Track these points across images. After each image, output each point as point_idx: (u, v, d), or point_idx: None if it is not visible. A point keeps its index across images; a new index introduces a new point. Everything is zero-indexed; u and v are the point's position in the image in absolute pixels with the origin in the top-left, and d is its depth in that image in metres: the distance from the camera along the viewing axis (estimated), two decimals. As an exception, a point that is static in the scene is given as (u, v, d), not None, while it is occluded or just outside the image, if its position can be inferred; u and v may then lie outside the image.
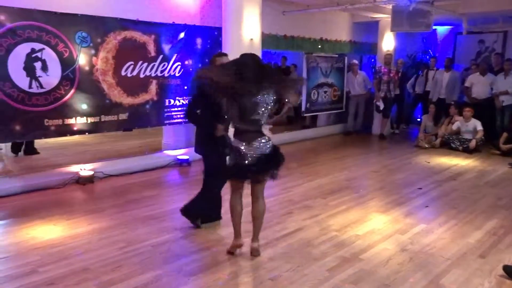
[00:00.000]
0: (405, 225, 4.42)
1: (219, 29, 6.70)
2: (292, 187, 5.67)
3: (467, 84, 9.04)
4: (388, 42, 9.81)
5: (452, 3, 7.87)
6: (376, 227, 4.35)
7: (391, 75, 9.27)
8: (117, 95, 5.88)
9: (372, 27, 9.97)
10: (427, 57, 11.15)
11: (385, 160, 7.41)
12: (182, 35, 6.48)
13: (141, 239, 3.95)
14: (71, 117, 5.47)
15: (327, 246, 3.88)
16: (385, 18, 9.27)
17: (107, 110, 5.80)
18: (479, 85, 8.82)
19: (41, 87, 5.16)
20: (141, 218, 4.49)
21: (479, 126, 8.05)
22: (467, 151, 7.89)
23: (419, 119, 10.27)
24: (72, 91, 5.42)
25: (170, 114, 6.58)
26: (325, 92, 9.44)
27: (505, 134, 7.88)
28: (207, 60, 6.83)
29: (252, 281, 3.24)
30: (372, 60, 11.17)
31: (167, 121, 6.61)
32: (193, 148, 7.05)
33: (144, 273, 3.33)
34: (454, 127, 8.33)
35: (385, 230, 4.27)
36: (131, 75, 5.96)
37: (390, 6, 7.95)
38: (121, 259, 3.56)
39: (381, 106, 9.39)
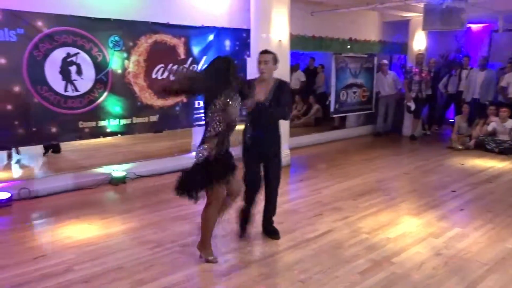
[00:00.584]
0: (439, 228, 4.31)
1: (248, 31, 6.72)
2: (322, 189, 5.62)
3: (503, 83, 8.73)
4: (419, 42, 9.60)
5: (487, -1, 7.62)
6: (408, 230, 4.26)
7: (423, 75, 9.06)
8: (148, 98, 5.98)
9: (403, 26, 9.77)
10: (460, 56, 10.83)
11: (416, 162, 7.24)
12: (211, 37, 6.54)
13: (172, 239, 4.01)
14: (104, 119, 5.61)
15: (358, 248, 3.82)
16: (416, 16, 9.07)
17: (138, 112, 5.92)
18: (516, 85, 8.50)
19: (76, 90, 5.31)
20: (172, 218, 4.55)
21: (516, 127, 7.77)
22: (504, 152, 7.61)
23: (451, 120, 9.98)
24: (105, 94, 5.56)
25: (198, 115, 6.64)
26: (354, 92, 9.32)
27: (544, 135, 7.57)
28: (235, 62, 6.85)
29: (283, 283, 3.23)
30: (403, 60, 10.94)
31: (196, 123, 6.68)
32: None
33: (175, 273, 3.37)
34: (490, 128, 8.06)
35: (417, 234, 4.17)
36: (161, 77, 6.05)
37: (421, 5, 7.75)
38: (153, 258, 3.62)
39: (412, 107, 9.19)
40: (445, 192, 5.51)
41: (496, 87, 9.04)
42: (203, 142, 3.39)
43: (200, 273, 3.38)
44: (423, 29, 8.30)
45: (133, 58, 5.74)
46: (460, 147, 8.16)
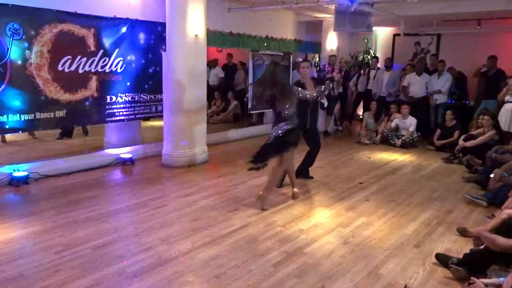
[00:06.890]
0: (347, 218, 4.57)
1: (163, 25, 6.54)
2: (238, 184, 5.68)
3: (404, 83, 9.49)
4: (331, 42, 10.09)
5: (390, 5, 8.23)
6: (320, 221, 4.46)
7: (334, 74, 9.53)
8: (54, 91, 5.58)
9: (316, 27, 10.19)
10: (369, 56, 11.58)
11: (329, 156, 7.60)
12: (124, 29, 6.26)
13: (81, 241, 3.78)
14: (2, 115, 5.12)
15: (272, 241, 3.92)
16: (328, 18, 9.51)
17: (42, 107, 5.49)
18: (415, 85, 9.28)
19: (-32, 82, 4.79)
20: (81, 219, 4.30)
21: (413, 125, 8.49)
22: (404, 146, 8.31)
23: (361, 117, 10.65)
24: (3, 86, 5.07)
25: (112, 111, 6.35)
26: (271, 89, 9.50)
27: (438, 131, 8.37)
28: (150, 56, 6.67)
29: (197, 280, 3.21)
30: (317, 58, 11.42)
31: (109, 119, 6.38)
32: (137, 146, 6.97)
33: (83, 277, 3.19)
34: (393, 124, 8.74)
35: (328, 224, 4.39)
36: (68, 70, 5.67)
37: (333, 7, 8.15)
38: (58, 263, 3.38)
39: (325, 104, 9.61)
40: (353, 184, 5.87)
41: (399, 86, 9.82)
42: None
43: (111, 275, 3.23)
44: (334, 30, 8.74)
45: (36, 48, 5.31)
46: (367, 142, 8.74)
